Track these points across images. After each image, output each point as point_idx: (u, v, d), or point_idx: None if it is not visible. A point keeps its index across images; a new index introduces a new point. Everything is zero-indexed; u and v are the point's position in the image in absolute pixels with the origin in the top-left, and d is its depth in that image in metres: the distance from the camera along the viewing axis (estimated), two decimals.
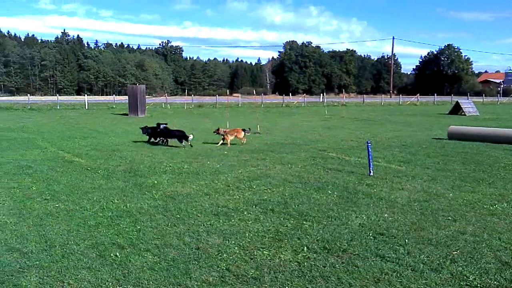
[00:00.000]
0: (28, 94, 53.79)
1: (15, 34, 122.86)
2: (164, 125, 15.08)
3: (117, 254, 5.03)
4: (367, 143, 9.78)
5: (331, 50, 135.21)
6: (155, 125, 15.26)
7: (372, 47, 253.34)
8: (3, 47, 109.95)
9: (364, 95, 73.33)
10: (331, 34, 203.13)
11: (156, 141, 14.94)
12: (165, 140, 14.75)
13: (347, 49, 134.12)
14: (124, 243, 5.37)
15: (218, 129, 14.91)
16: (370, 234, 5.70)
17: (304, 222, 6.20)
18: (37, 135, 17.40)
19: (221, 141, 14.54)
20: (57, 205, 7.06)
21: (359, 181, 8.88)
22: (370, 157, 9.54)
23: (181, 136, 14.20)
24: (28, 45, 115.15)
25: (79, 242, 5.41)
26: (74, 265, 4.74)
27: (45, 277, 4.45)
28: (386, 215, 6.56)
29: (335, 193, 7.90)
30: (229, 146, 14.15)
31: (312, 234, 5.72)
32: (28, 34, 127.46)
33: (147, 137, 15.11)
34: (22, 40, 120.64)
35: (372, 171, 9.46)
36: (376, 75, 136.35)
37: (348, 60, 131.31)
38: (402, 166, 10.60)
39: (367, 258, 4.94)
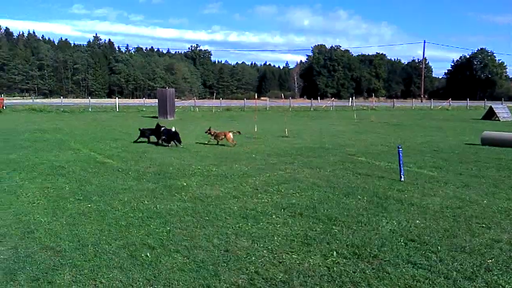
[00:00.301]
0: (61, 97, 55.22)
1: (49, 38, 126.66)
2: (164, 127, 15.59)
3: (148, 254, 5.10)
4: (398, 147, 9.62)
5: (360, 54, 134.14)
6: (155, 127, 15.97)
7: (402, 50, 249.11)
8: (38, 51, 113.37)
9: (394, 99, 72.24)
10: (361, 38, 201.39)
11: (159, 142, 15.49)
12: (165, 140, 15.17)
13: (376, 52, 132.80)
14: (154, 244, 5.43)
15: (209, 129, 15.89)
16: (401, 240, 5.60)
17: (334, 227, 6.15)
18: (70, 136, 17.83)
19: (211, 140, 15.63)
20: (89, 205, 7.21)
21: (389, 186, 8.74)
22: (401, 162, 9.39)
23: (178, 138, 15.01)
24: (61, 49, 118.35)
25: (110, 241, 5.51)
26: (106, 264, 4.83)
27: (78, 275, 4.54)
28: (417, 221, 6.44)
29: (365, 198, 7.80)
30: (234, 144, 15.14)
31: (342, 239, 5.66)
32: (61, 38, 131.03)
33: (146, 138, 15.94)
34: (56, 44, 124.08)
35: (403, 177, 9.31)
36: (407, 79, 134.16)
37: (377, 64, 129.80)
38: (434, 172, 10.38)
39: (398, 265, 4.85)
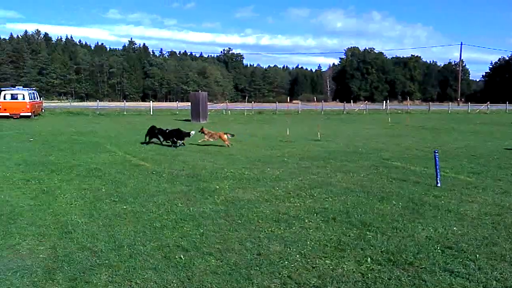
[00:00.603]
0: (97, 100, 56.64)
1: (85, 43, 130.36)
2: (160, 129, 16.41)
3: (181, 256, 5.15)
4: (435, 152, 9.40)
5: (394, 56, 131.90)
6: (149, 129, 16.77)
7: (438, 53, 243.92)
8: (75, 55, 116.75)
9: (430, 103, 70.67)
10: (395, 40, 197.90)
11: (163, 142, 16.22)
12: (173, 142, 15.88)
13: (411, 55, 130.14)
14: (187, 246, 5.49)
15: (202, 129, 16.54)
16: (438, 248, 5.46)
17: (368, 233, 6.05)
18: (105, 139, 18.25)
19: (205, 140, 16.19)
20: (124, 207, 7.35)
21: (425, 192, 8.55)
22: (437, 167, 9.17)
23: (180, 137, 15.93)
24: (98, 53, 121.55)
25: (145, 243, 5.60)
26: (141, 265, 4.91)
27: (114, 276, 4.63)
28: (455, 228, 6.27)
29: (400, 203, 7.65)
30: (228, 146, 15.73)
31: (376, 245, 5.57)
32: (97, 42, 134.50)
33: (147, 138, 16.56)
34: (92, 48, 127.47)
35: (439, 182, 9.08)
36: (443, 82, 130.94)
37: (412, 67, 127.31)
38: (471, 178, 10.10)
39: (435, 273, 4.73)
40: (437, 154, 9.30)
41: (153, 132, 16.42)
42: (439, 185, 9.02)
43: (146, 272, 4.73)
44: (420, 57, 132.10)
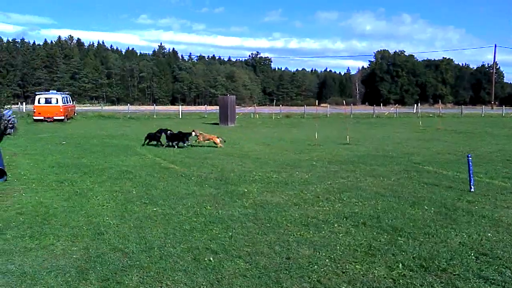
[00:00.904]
0: (128, 104, 57.69)
1: (117, 48, 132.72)
2: (170, 131, 17.32)
3: (211, 259, 5.18)
4: (468, 156, 9.17)
5: (425, 59, 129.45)
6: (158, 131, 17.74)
7: (471, 55, 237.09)
8: (106, 60, 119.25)
9: (462, 106, 69.08)
10: (426, 42, 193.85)
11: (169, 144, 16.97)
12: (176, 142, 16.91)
13: (443, 57, 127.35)
14: (217, 249, 5.52)
15: (193, 131, 17.43)
16: (472, 254, 5.32)
17: (399, 238, 5.95)
18: (136, 142, 18.54)
19: (198, 141, 17.29)
20: (155, 209, 7.45)
21: (458, 197, 8.35)
22: (470, 171, 8.93)
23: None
24: (128, 58, 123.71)
25: (175, 245, 5.66)
26: (171, 267, 4.96)
27: (145, 277, 4.69)
28: (489, 234, 6.09)
29: (432, 209, 7.50)
30: (221, 147, 16.42)
31: (408, 250, 5.47)
32: (128, 47, 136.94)
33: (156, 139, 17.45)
34: (123, 53, 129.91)
35: (473, 187, 8.85)
36: (475, 85, 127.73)
37: (444, 69, 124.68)
38: (506, 183, 9.80)
39: (469, 279, 4.61)
40: (470, 158, 9.07)
41: (154, 135, 17.42)
42: (472, 190, 8.80)
43: (176, 273, 4.78)
44: (452, 59, 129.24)
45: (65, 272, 4.82)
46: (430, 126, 31.39)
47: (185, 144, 16.87)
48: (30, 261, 5.11)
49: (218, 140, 17.10)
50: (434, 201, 8.05)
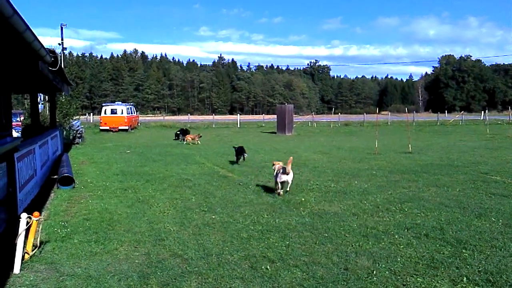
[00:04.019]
0: (188, 114, 59.27)
1: (178, 60, 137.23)
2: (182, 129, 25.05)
3: (268, 267, 5.18)
4: None
5: (494, 63, 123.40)
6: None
7: None
8: (168, 71, 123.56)
9: None
10: (494, 46, 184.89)
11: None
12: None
13: None
14: (274, 257, 5.51)
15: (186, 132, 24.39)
16: None
17: (464, 251, 5.66)
18: (195, 151, 18.96)
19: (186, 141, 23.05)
20: (213, 217, 7.57)
21: None
22: None
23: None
24: (189, 70, 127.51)
25: (233, 252, 5.71)
26: (229, 274, 5.01)
27: (203, 283, 4.77)
28: None
29: (500, 220, 7.08)
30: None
31: (473, 264, 5.19)
32: (189, 59, 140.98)
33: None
34: (184, 65, 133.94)
35: None
36: None
37: None
38: None
39: None
40: None
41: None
42: None
43: (234, 281, 4.82)
44: None
45: (128, 276, 4.99)
46: (499, 134, 29.73)
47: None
48: (95, 265, 5.35)
49: (196, 139, 22.90)
50: (502, 212, 7.61)
